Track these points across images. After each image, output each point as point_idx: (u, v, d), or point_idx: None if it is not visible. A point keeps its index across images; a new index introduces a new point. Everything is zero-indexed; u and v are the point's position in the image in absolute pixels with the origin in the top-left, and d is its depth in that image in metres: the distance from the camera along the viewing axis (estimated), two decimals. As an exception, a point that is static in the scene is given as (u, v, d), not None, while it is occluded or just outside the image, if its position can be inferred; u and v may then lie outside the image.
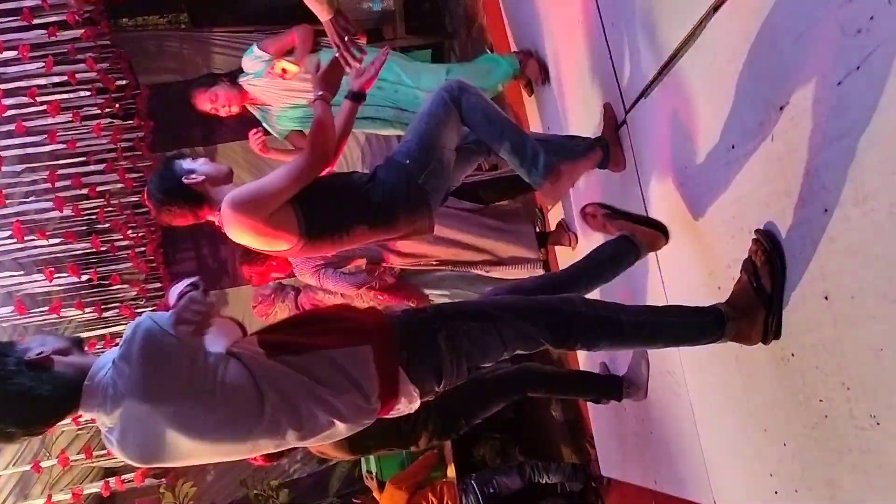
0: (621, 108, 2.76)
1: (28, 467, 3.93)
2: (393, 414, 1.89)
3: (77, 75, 4.49)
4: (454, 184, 2.63)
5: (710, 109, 2.11)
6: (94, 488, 4.34)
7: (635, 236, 2.33)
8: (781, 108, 1.78)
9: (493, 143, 2.47)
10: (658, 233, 2.36)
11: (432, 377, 1.85)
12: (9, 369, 1.52)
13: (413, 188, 2.36)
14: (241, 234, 2.21)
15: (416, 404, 1.88)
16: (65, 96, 4.35)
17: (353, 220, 2.34)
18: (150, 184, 2.37)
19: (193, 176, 2.27)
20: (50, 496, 4.01)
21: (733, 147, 2.02)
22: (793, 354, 1.85)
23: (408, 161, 2.37)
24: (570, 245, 3.71)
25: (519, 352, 1.96)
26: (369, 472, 4.89)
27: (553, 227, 3.86)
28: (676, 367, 2.61)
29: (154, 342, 1.55)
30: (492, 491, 3.96)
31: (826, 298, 1.69)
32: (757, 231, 1.92)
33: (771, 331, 1.89)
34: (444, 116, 2.39)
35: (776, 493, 2.03)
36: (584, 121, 3.19)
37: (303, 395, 1.70)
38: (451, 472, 4.84)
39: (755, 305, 1.89)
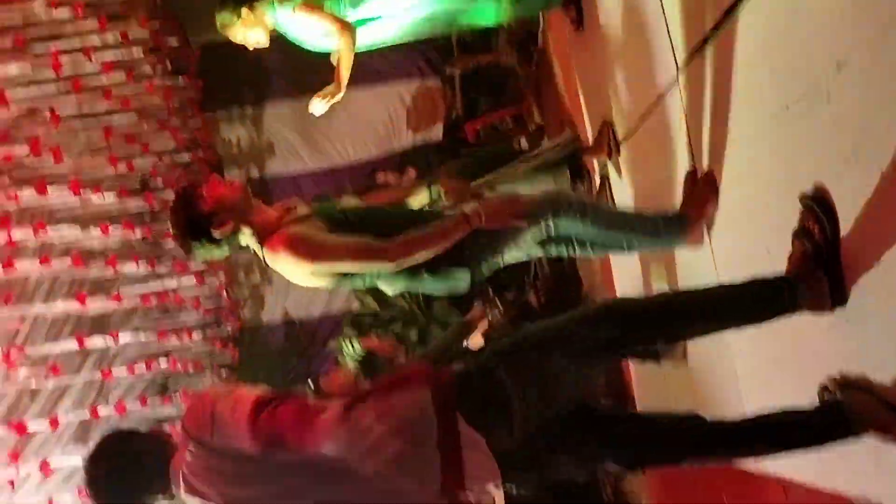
0: (673, 64, 2.70)
1: (87, 414, 4.09)
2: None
3: (129, 34, 4.56)
4: None
5: (765, 68, 2.06)
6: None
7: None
8: (839, 67, 1.72)
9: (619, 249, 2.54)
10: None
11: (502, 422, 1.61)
12: None
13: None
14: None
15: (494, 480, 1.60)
16: (118, 55, 4.43)
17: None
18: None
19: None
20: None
21: (787, 107, 1.97)
22: (847, 321, 1.83)
23: None
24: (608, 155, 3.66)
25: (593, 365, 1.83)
26: None
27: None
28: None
29: None
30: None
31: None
32: (805, 196, 1.87)
33: (837, 295, 1.80)
34: None
35: (819, 458, 2.01)
36: (640, 70, 3.13)
37: None
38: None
39: (815, 271, 1.81)
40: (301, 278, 2.36)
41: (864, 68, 1.64)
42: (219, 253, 2.37)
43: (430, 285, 2.39)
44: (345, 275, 2.33)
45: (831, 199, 1.83)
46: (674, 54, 2.70)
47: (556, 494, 5.33)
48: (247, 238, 2.34)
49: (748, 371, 2.46)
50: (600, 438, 1.79)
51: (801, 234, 1.89)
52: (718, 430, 1.90)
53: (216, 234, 2.27)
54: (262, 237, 2.32)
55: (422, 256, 2.26)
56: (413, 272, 2.32)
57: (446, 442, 1.54)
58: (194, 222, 2.27)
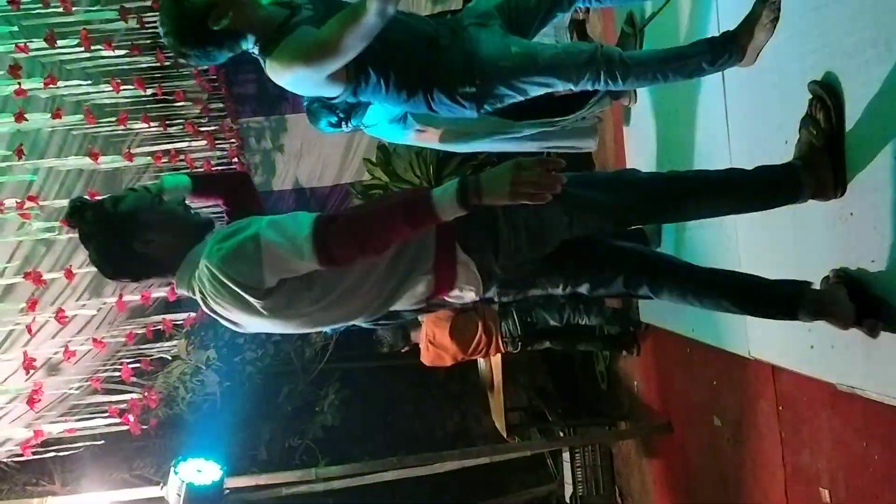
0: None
1: (100, 268, 4.19)
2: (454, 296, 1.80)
3: None
4: None
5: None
6: (160, 293, 4.63)
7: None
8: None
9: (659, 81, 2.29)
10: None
11: (489, 249, 1.75)
12: None
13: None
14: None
15: (475, 287, 1.78)
16: None
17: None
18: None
19: None
20: (121, 296, 4.30)
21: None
22: (851, 214, 1.83)
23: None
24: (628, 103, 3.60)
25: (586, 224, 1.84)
26: None
27: None
28: (728, 220, 2.60)
29: None
30: (529, 320, 4.08)
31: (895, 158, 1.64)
32: (815, 83, 1.84)
33: (840, 181, 1.83)
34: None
35: (812, 347, 2.07)
36: None
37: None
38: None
39: (819, 158, 1.84)
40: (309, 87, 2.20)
41: None
42: (215, 57, 2.08)
43: None
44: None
45: (840, 88, 1.79)
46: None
47: (553, 374, 5.54)
48: (248, 43, 2.10)
49: (749, 257, 2.49)
50: (579, 262, 1.89)
51: (807, 121, 1.89)
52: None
53: (213, 25, 1.95)
54: (266, 45, 2.06)
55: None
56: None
57: (441, 258, 1.73)
58: (188, 17, 1.94)
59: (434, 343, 4.10)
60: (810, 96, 1.89)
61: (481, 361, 4.96)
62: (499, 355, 4.42)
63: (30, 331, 3.72)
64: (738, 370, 2.76)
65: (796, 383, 2.32)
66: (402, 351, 4.33)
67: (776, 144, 2.13)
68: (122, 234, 1.70)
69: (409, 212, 1.55)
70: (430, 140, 3.12)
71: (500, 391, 4.78)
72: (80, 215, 1.71)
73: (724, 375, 2.97)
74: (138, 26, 4.49)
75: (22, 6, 3.64)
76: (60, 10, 3.82)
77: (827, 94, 1.82)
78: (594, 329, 4.35)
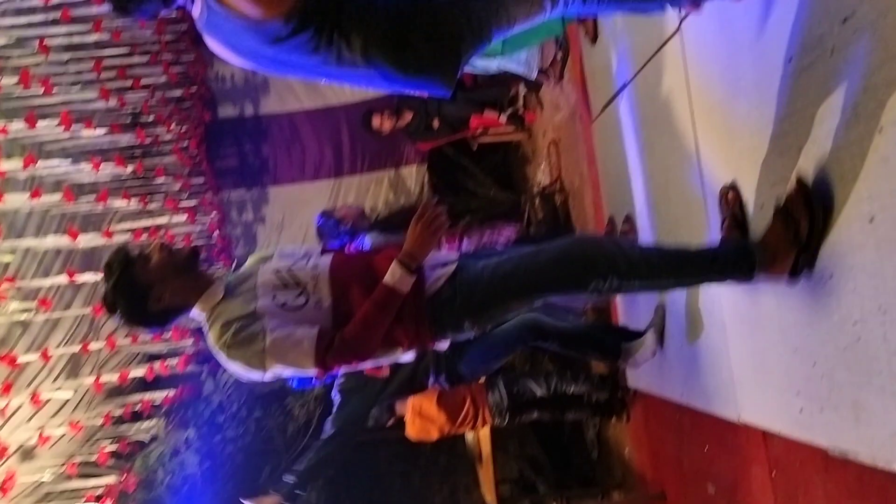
0: (676, 17, 2.65)
1: (77, 348, 4.12)
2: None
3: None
4: None
5: (770, 20, 2.02)
6: (139, 371, 4.55)
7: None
8: (845, 20, 1.69)
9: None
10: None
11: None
12: None
13: None
14: None
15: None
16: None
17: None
18: None
19: None
20: (98, 376, 4.22)
21: (791, 60, 1.94)
22: (831, 276, 1.83)
23: None
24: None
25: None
26: None
27: None
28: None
29: None
30: (516, 391, 4.04)
31: (871, 221, 1.66)
32: (802, 183, 1.87)
33: (800, 268, 1.87)
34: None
35: (801, 410, 2.05)
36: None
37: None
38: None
39: (788, 249, 1.87)
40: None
41: (870, 22, 1.61)
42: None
43: None
44: None
45: (830, 195, 1.80)
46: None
47: (543, 444, 5.45)
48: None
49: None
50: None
51: (785, 216, 1.89)
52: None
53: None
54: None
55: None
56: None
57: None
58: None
59: (421, 414, 4.02)
60: (795, 187, 1.91)
61: (469, 434, 4.87)
62: (487, 427, 4.35)
63: (3, 415, 3.61)
64: (730, 435, 2.72)
65: (788, 448, 2.28)
66: (388, 425, 4.24)
67: (754, 210, 2.15)
68: (138, 307, 1.96)
69: (382, 308, 1.89)
70: None
71: (490, 463, 4.68)
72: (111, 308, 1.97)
73: (715, 441, 2.93)
74: (118, 106, 4.54)
75: (3, 89, 3.68)
76: (41, 92, 3.85)
77: (812, 198, 1.85)
78: (582, 397, 4.30)
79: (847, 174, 1.73)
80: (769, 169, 2.10)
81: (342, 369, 1.94)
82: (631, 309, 3.70)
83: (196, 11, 1.79)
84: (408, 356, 2.05)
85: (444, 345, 2.10)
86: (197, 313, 2.00)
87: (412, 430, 4.09)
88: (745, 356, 2.44)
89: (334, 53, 1.79)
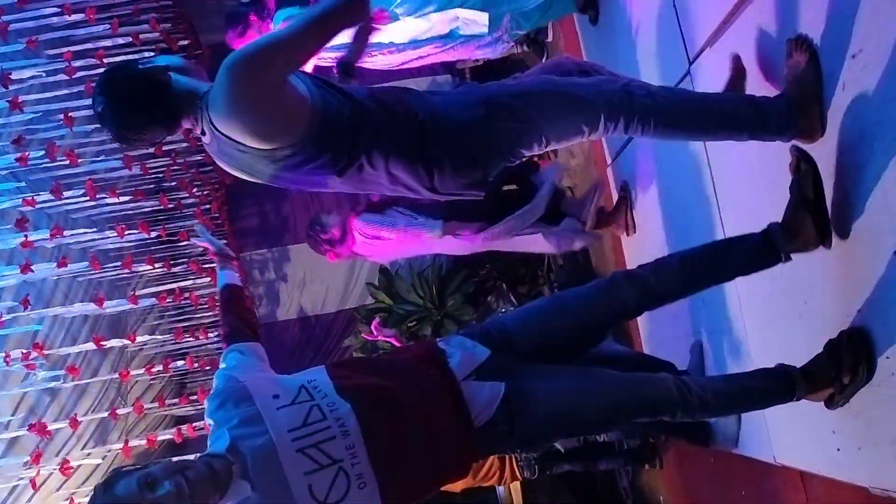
0: (685, 56, 2.69)
1: (106, 414, 4.14)
2: None
3: (141, 36, 4.58)
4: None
5: (780, 57, 2.04)
6: (167, 435, 4.55)
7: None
8: (853, 56, 1.71)
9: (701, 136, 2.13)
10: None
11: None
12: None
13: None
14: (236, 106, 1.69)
15: None
16: (130, 57, 4.45)
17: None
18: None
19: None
20: (127, 441, 4.22)
21: (801, 97, 1.95)
22: (859, 311, 1.81)
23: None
24: (625, 232, 3.73)
25: None
26: None
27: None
28: (737, 321, 2.58)
29: None
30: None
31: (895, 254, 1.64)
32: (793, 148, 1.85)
33: (825, 232, 1.81)
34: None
35: (838, 450, 2.00)
36: (650, 62, 3.12)
37: None
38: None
39: (804, 216, 1.80)
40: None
41: (878, 57, 1.63)
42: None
43: None
44: None
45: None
46: (685, 46, 2.69)
47: (575, 494, 5.35)
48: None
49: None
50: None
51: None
52: None
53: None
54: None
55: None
56: None
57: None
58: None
59: None
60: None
61: (501, 488, 4.79)
62: (517, 482, 4.28)
63: (34, 485, 3.62)
64: (767, 477, 2.66)
65: (828, 489, 2.22)
66: None
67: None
68: None
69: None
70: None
71: (519, 494, 4.60)
72: None
73: (752, 484, 2.86)
74: (141, 172, 4.64)
75: (29, 161, 3.77)
76: (66, 162, 3.95)
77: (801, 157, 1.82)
78: (613, 445, 4.23)
79: (870, 204, 1.73)
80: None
81: None
82: (655, 334, 3.66)
83: (206, 140, 1.81)
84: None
85: None
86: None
87: None
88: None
89: (356, 169, 1.83)
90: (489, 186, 1.95)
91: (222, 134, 1.72)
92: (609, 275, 1.97)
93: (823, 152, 1.88)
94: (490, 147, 1.90)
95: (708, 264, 1.94)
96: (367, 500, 1.54)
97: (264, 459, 1.52)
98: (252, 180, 1.89)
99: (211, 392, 1.70)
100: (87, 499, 3.91)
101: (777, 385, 1.90)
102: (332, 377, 1.66)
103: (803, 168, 1.79)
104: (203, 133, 1.80)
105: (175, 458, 1.58)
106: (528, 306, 1.97)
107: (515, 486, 4.51)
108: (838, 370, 1.82)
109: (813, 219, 1.78)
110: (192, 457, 1.63)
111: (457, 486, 4.02)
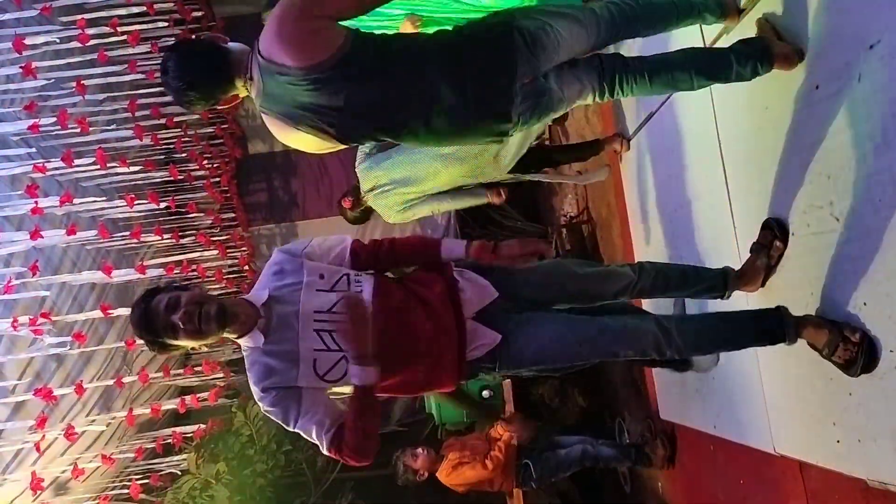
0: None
1: (111, 382, 4.17)
2: None
3: (155, 6, 4.57)
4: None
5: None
6: (171, 405, 4.58)
7: None
8: (871, 47, 1.69)
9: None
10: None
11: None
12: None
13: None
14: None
15: None
16: (143, 27, 4.44)
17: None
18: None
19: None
20: (131, 410, 4.25)
21: (817, 87, 1.94)
22: (865, 303, 1.81)
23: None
24: (620, 149, 3.83)
25: None
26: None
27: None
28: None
29: None
30: (546, 473, 4.07)
31: (905, 247, 1.64)
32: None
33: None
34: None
35: (838, 441, 2.01)
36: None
37: None
38: (509, 409, 4.91)
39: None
40: None
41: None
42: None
43: None
44: None
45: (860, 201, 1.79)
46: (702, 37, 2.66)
47: (574, 479, 5.38)
48: None
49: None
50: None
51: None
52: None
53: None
54: None
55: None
56: None
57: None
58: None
59: (453, 471, 4.06)
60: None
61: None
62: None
63: (38, 449, 3.66)
64: (766, 467, 2.67)
65: (826, 479, 2.23)
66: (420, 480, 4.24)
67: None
68: None
69: (363, 412, 1.83)
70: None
71: (520, 499, 4.63)
72: None
73: (751, 473, 2.87)
74: (152, 143, 4.64)
75: (41, 128, 3.78)
76: (78, 130, 3.95)
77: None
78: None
79: (877, 201, 1.72)
80: (799, 197, 2.08)
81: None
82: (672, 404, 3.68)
83: (254, 89, 1.90)
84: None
85: None
86: (242, 343, 1.92)
87: (442, 476, 4.12)
88: (778, 386, 2.40)
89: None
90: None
91: (266, 60, 1.82)
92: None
93: (838, 143, 1.87)
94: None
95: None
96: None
97: (286, 327, 1.86)
98: (288, 137, 1.94)
99: (272, 263, 2.01)
100: (91, 464, 3.96)
101: (764, 323, 2.02)
102: (376, 283, 1.95)
103: (777, 245, 2.16)
104: (251, 79, 1.88)
105: (210, 292, 2.10)
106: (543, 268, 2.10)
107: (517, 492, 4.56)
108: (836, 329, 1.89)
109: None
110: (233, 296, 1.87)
111: (459, 489, 4.12)
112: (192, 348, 1.92)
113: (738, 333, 2.07)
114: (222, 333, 1.84)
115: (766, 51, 2.03)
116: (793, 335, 1.96)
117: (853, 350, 1.83)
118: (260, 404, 1.90)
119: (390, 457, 4.21)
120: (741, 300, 2.30)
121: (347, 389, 1.92)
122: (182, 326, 1.77)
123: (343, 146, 2.00)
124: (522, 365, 2.02)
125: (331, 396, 1.93)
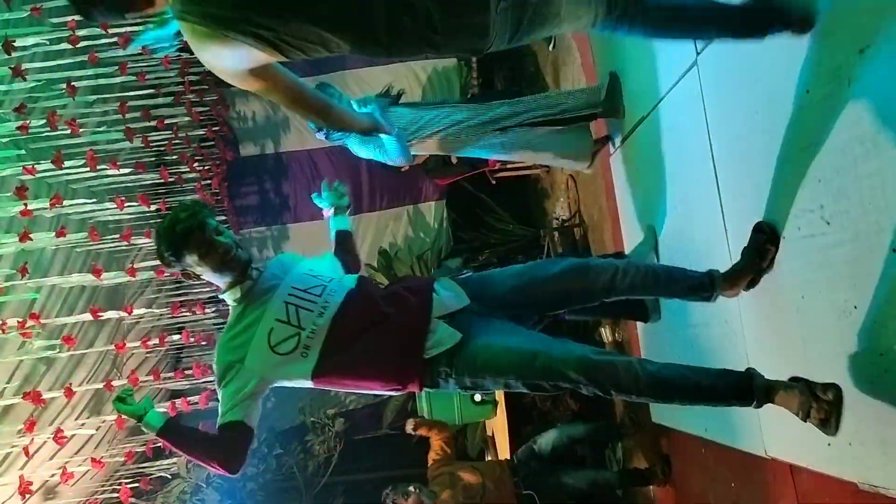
0: (693, 50, 2.67)
1: (101, 385, 4.14)
2: None
3: (146, 8, 4.56)
4: None
5: (786, 52, 2.03)
6: (161, 408, 4.55)
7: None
8: (861, 51, 1.70)
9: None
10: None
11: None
12: None
13: None
14: None
15: None
16: (134, 29, 4.43)
17: None
18: None
19: None
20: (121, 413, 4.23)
21: (808, 91, 1.94)
22: (855, 307, 1.81)
23: None
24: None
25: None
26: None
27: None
28: (734, 316, 2.58)
29: None
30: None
31: (894, 251, 1.64)
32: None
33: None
34: None
35: (829, 444, 2.01)
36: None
37: None
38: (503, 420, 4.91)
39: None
40: None
41: (888, 51, 1.62)
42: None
43: None
44: None
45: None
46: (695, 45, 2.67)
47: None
48: None
49: (756, 353, 2.46)
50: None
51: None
52: None
53: None
54: None
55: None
56: None
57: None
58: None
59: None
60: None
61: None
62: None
63: (27, 453, 3.63)
64: (756, 470, 2.68)
65: (817, 482, 2.24)
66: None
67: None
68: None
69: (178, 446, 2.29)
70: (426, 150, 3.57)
71: None
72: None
73: (742, 476, 2.87)
74: (143, 145, 4.62)
75: (30, 130, 3.76)
76: (68, 132, 3.93)
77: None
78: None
79: (867, 203, 1.73)
80: (790, 200, 2.09)
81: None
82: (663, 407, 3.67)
83: None
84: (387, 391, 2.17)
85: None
86: (226, 296, 2.22)
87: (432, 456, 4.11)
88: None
89: None
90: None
91: None
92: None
93: (829, 146, 1.88)
94: None
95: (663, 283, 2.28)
96: (303, 368, 2.02)
97: (262, 293, 2.12)
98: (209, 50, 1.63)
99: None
100: (80, 468, 3.94)
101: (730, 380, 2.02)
102: (357, 279, 2.20)
103: (769, 248, 2.15)
104: None
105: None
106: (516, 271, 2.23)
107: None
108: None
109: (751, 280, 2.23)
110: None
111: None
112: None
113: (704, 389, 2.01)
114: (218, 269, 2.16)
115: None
116: (762, 398, 1.95)
117: (826, 409, 1.85)
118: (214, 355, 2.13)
119: (382, 460, 4.21)
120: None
121: (288, 383, 2.12)
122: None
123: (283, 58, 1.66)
124: (476, 371, 2.01)
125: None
